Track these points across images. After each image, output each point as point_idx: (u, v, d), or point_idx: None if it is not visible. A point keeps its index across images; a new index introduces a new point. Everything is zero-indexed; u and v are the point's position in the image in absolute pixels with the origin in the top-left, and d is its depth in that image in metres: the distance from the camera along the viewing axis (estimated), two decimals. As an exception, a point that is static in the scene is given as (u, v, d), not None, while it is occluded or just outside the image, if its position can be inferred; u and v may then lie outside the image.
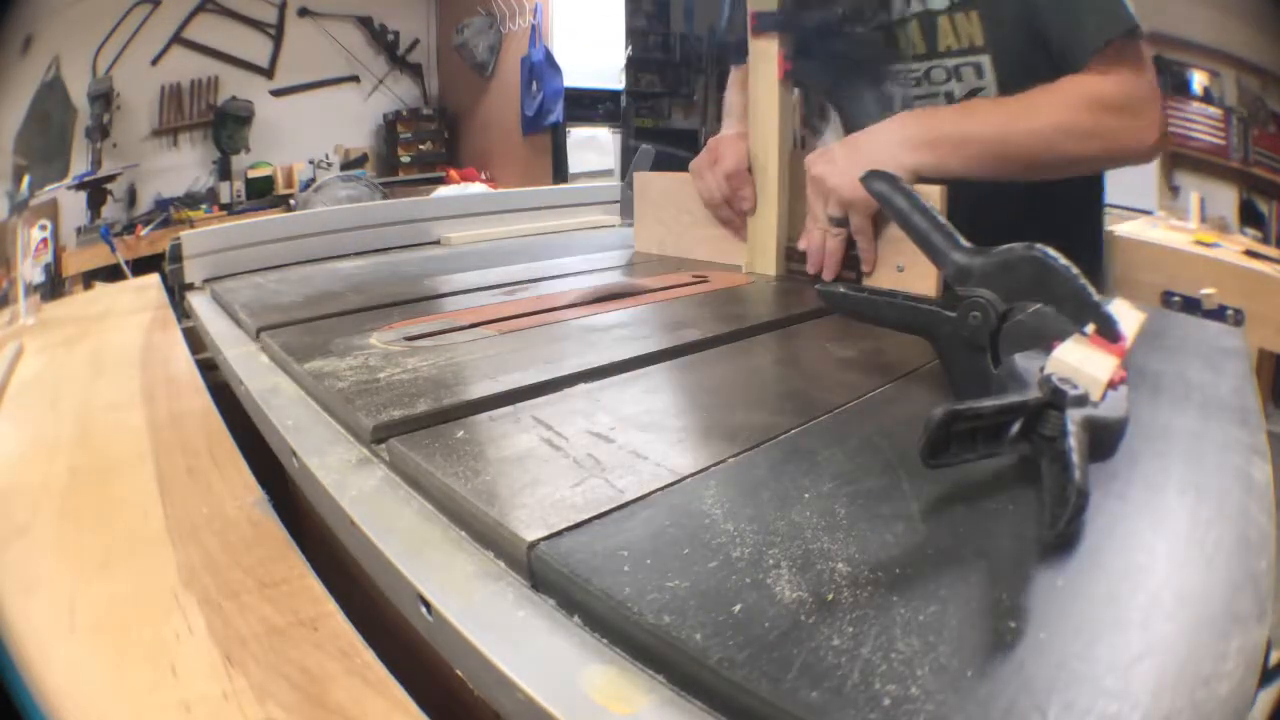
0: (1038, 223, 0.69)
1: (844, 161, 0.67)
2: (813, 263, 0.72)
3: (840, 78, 0.89)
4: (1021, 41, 0.72)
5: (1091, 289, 0.35)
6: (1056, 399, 0.30)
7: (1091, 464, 0.28)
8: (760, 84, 0.74)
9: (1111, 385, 0.32)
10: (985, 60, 0.75)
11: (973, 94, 0.76)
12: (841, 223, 0.68)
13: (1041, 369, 0.32)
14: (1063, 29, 0.70)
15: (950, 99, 0.77)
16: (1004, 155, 0.66)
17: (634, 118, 3.18)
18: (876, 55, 0.81)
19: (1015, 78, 0.71)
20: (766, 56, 0.73)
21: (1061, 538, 0.26)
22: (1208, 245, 1.58)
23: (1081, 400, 0.30)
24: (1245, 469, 0.34)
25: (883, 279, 0.68)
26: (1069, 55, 0.69)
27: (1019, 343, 0.37)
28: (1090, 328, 0.34)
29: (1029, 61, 0.71)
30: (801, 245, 0.73)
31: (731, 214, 0.79)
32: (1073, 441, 0.27)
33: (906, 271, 0.66)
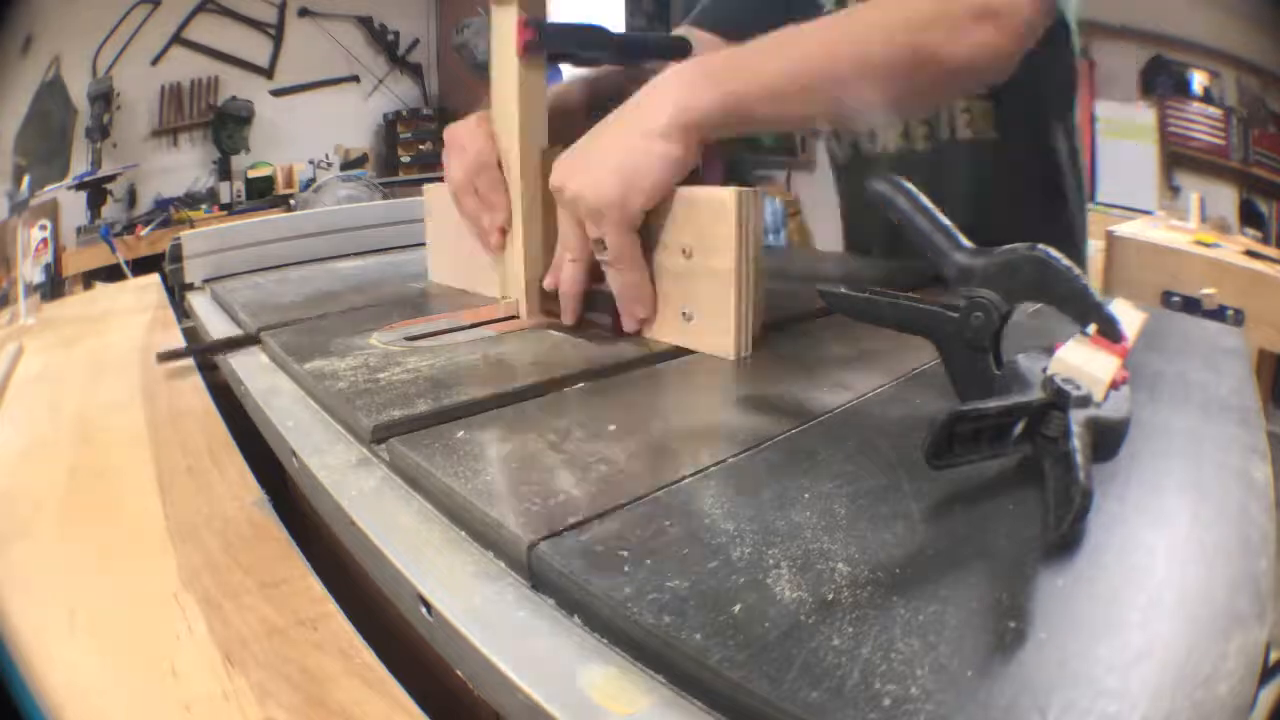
0: (1000, 198, 0.63)
1: (584, 157, 0.51)
2: (564, 307, 0.56)
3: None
4: None
5: (1094, 289, 0.35)
6: (1060, 400, 0.30)
7: (1094, 464, 0.28)
8: (498, 60, 0.57)
9: (1114, 386, 0.32)
10: None
11: None
12: (595, 246, 0.51)
13: (1044, 370, 0.32)
14: None
15: None
16: (818, 86, 0.50)
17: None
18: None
19: None
20: (503, 21, 0.55)
21: (1065, 539, 0.26)
22: (1208, 245, 1.58)
23: (1085, 401, 0.30)
24: (1245, 469, 0.34)
25: (666, 331, 0.52)
26: None
27: (1019, 343, 0.37)
28: (1092, 328, 0.34)
29: None
30: (548, 282, 0.57)
31: (490, 229, 0.60)
32: (1077, 442, 0.27)
33: (696, 321, 0.49)
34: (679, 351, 0.51)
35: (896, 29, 0.52)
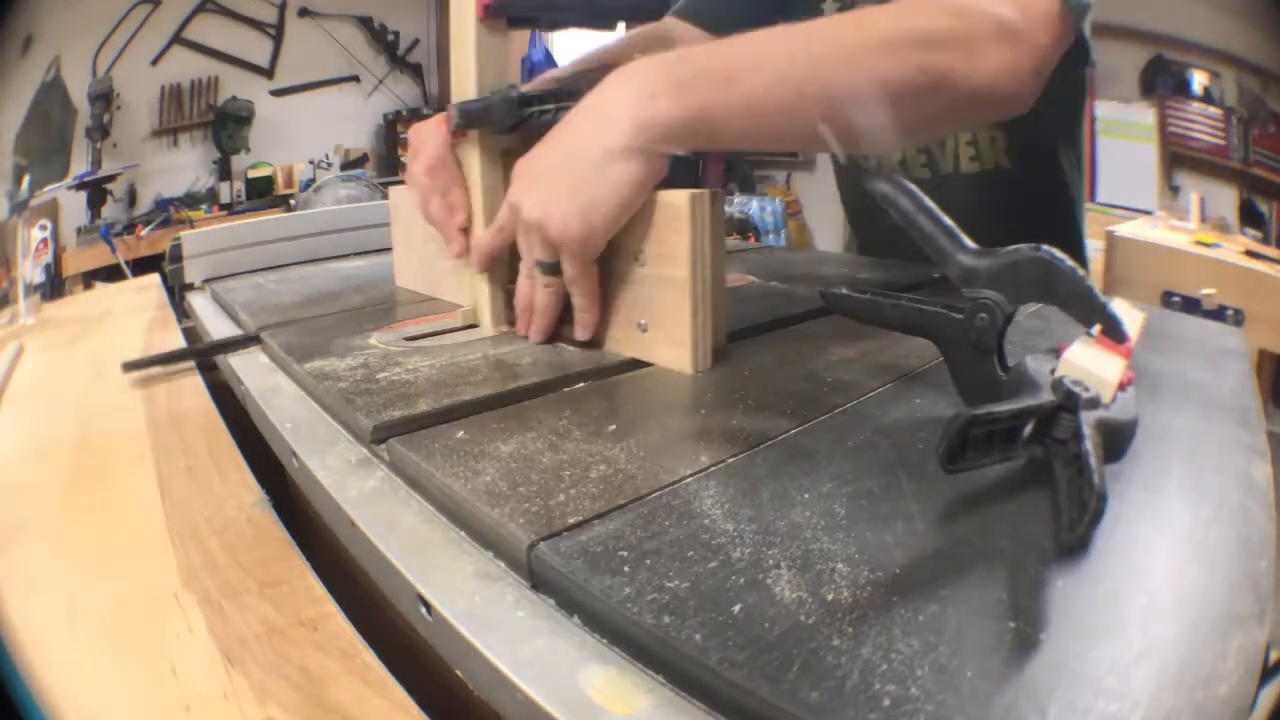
0: (1001, 227, 0.50)
1: (544, 176, 0.46)
2: (520, 321, 0.53)
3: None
4: None
5: (1098, 290, 0.35)
6: (1070, 402, 0.30)
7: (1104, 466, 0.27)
8: (456, 27, 0.53)
9: (1120, 387, 0.32)
10: None
11: None
12: (552, 269, 0.48)
13: (1052, 371, 0.32)
14: None
15: None
16: (818, 93, 0.44)
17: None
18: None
19: None
20: None
21: (1080, 542, 0.26)
22: (1208, 245, 1.58)
23: (1094, 403, 0.30)
24: (1245, 469, 0.34)
25: (622, 342, 0.50)
26: None
27: (1017, 342, 0.37)
28: (1096, 329, 0.34)
29: None
30: (519, 303, 0.53)
31: (453, 234, 0.57)
32: (1089, 445, 0.27)
33: (651, 333, 0.47)
34: (636, 364, 0.48)
35: (904, 44, 0.45)
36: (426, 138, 0.57)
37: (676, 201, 0.43)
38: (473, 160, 0.54)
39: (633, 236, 0.46)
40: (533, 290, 0.50)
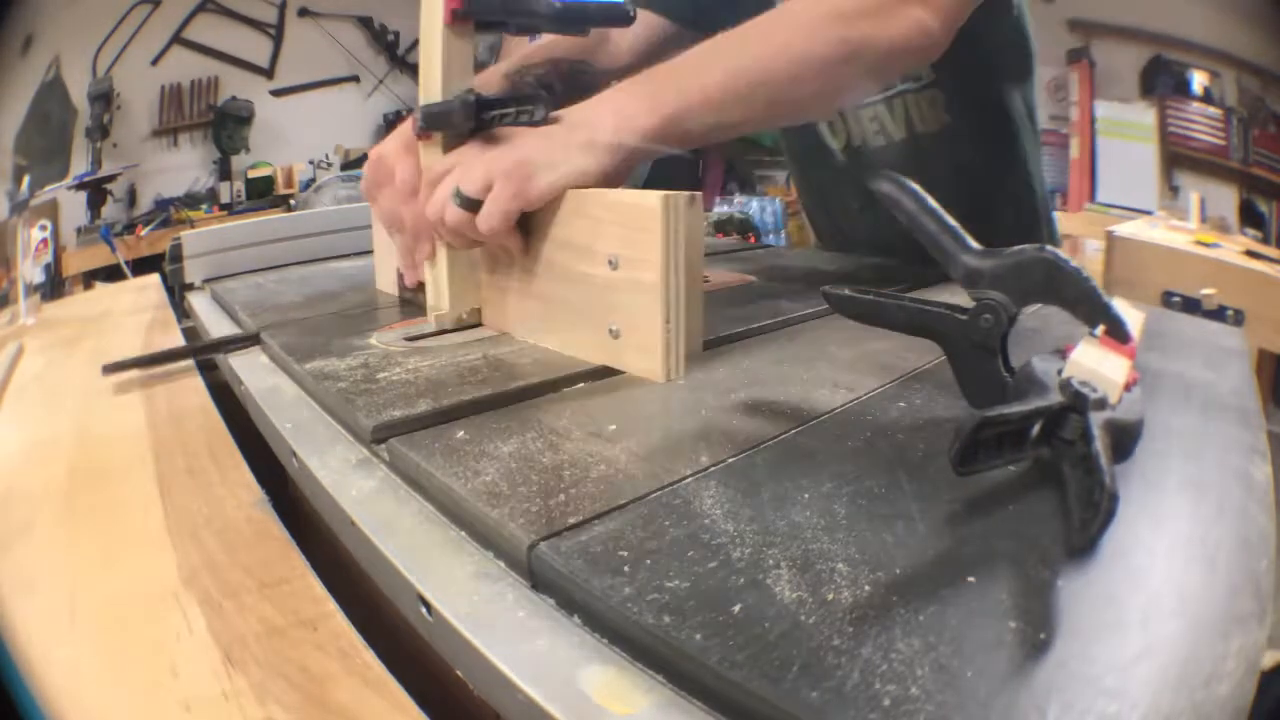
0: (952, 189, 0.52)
1: (532, 143, 0.49)
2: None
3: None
4: None
5: (1102, 291, 0.35)
6: (1078, 403, 0.30)
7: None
8: (425, 32, 0.54)
9: (1125, 387, 0.32)
10: None
11: None
12: (470, 205, 0.48)
13: (1059, 372, 0.32)
14: None
15: None
16: (754, 92, 0.51)
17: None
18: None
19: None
20: None
21: (1091, 542, 0.26)
22: (1208, 245, 1.58)
23: (1101, 403, 0.30)
24: (1245, 469, 0.34)
25: (592, 349, 0.48)
26: None
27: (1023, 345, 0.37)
28: (1100, 329, 0.34)
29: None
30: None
31: (418, 263, 0.59)
32: (1099, 445, 0.27)
33: (623, 339, 0.46)
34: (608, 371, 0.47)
35: (824, 22, 0.52)
36: (395, 166, 0.58)
37: (649, 204, 0.42)
38: (433, 163, 0.54)
39: (606, 239, 0.45)
40: (443, 208, 0.50)
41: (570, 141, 0.48)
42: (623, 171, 0.49)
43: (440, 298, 0.57)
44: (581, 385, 0.45)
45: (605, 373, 0.47)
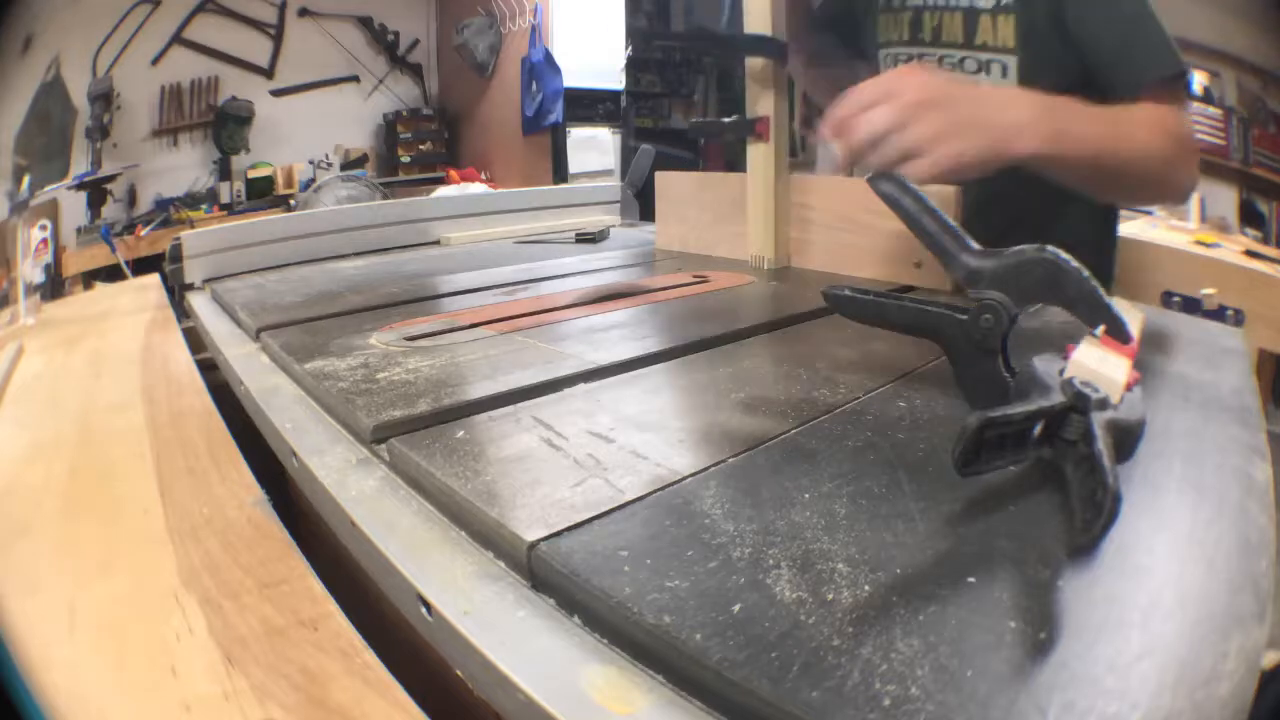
0: (1043, 224, 0.72)
1: (956, 118, 0.58)
2: (841, 125, 0.61)
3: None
4: (1052, 53, 0.75)
5: (1102, 291, 0.35)
6: (1080, 403, 0.30)
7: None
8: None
9: (1127, 387, 0.32)
10: (1012, 62, 0.77)
11: None
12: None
13: (1060, 372, 0.32)
14: (1116, 54, 0.72)
15: None
16: (1099, 165, 0.63)
17: (634, 118, 3.18)
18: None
19: (1038, 84, 0.69)
20: None
21: (1094, 542, 0.26)
22: (1208, 245, 1.57)
23: (1103, 403, 0.30)
24: (1245, 469, 0.34)
25: (901, 275, 0.69)
26: (1120, 79, 0.71)
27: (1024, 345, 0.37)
28: (1100, 329, 0.34)
29: (1055, 74, 0.72)
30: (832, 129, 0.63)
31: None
32: (1101, 446, 0.27)
33: (924, 269, 0.66)
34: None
35: (1152, 143, 0.66)
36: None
37: (945, 192, 0.61)
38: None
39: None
40: (869, 151, 0.59)
41: (993, 132, 0.58)
42: (998, 167, 0.59)
43: (766, 249, 0.79)
44: (581, 385, 0.45)
45: (605, 372, 0.47)
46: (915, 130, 0.56)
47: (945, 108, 0.57)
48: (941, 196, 0.65)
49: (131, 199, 3.02)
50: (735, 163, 0.85)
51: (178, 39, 3.08)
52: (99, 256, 2.68)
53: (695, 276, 0.75)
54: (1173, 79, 0.70)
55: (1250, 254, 1.54)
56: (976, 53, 0.79)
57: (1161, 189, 0.71)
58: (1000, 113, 0.58)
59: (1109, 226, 0.91)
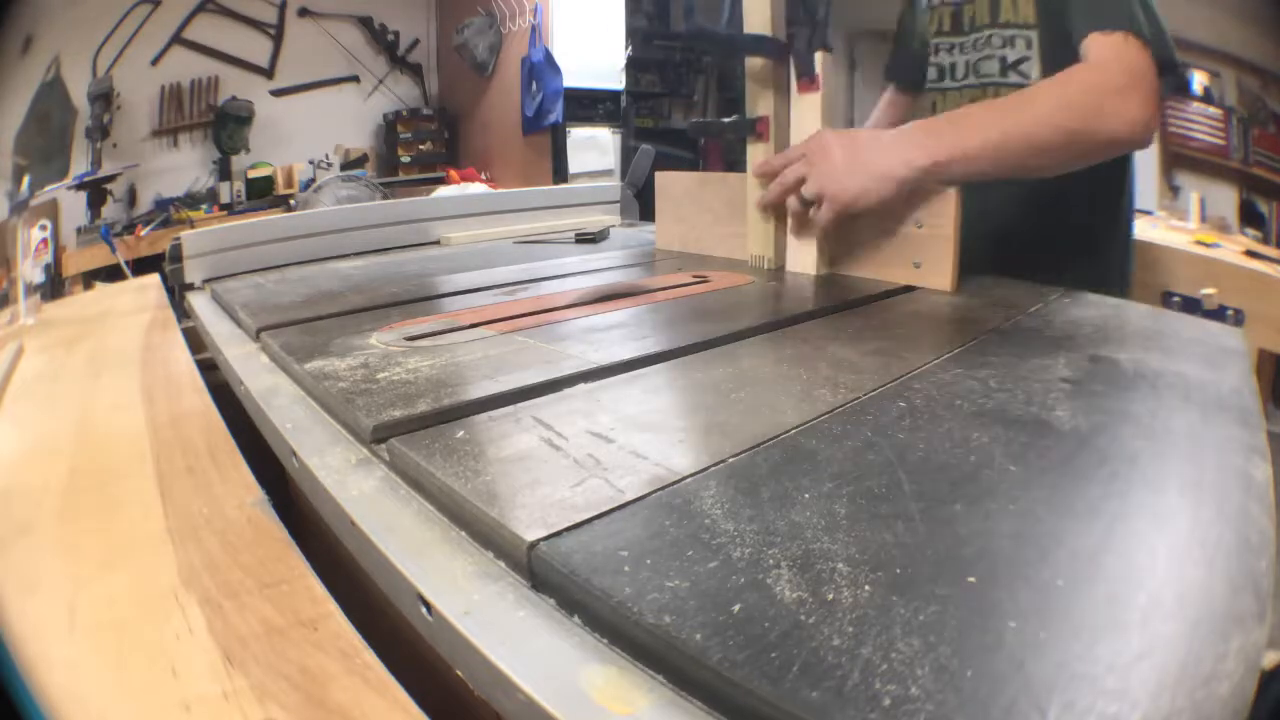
0: (1058, 221, 0.79)
1: (845, 165, 0.70)
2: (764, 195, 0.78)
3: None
4: (1063, 25, 0.79)
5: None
6: None
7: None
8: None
9: None
10: (1034, 35, 0.84)
11: (1019, 63, 0.85)
12: (807, 204, 0.73)
13: None
14: (1077, 11, 0.76)
15: (1004, 62, 0.86)
16: (1003, 150, 0.69)
17: (634, 118, 3.18)
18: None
19: (1056, 54, 0.76)
20: None
21: None
22: (1208, 245, 1.57)
23: None
24: (1245, 469, 0.34)
25: (899, 275, 0.72)
26: (1074, 34, 0.74)
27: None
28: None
29: (1069, 44, 0.76)
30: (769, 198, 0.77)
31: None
32: None
33: (924, 269, 0.69)
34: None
35: (1055, 113, 0.68)
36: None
37: (947, 195, 0.68)
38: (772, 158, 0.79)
39: (912, 208, 0.70)
40: (785, 195, 0.75)
41: (871, 172, 0.69)
42: (901, 195, 0.69)
43: (766, 250, 0.81)
44: (581, 385, 0.45)
45: (604, 372, 0.47)
46: (815, 179, 0.72)
47: (837, 159, 0.71)
48: (941, 198, 0.69)
49: (131, 199, 3.02)
50: (735, 163, 0.85)
51: (178, 39, 3.08)
52: (99, 256, 2.68)
53: (695, 276, 0.75)
54: (1125, 37, 0.70)
55: (1250, 254, 1.54)
56: (1001, 29, 0.86)
57: (1089, 144, 0.70)
58: (881, 153, 0.69)
59: (1118, 228, 0.90)
